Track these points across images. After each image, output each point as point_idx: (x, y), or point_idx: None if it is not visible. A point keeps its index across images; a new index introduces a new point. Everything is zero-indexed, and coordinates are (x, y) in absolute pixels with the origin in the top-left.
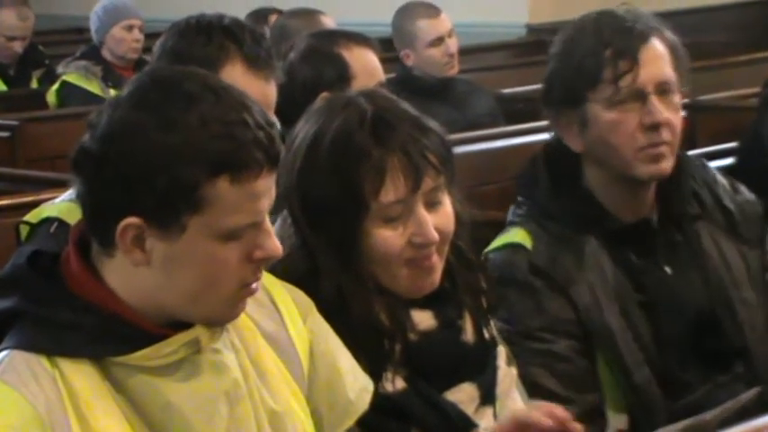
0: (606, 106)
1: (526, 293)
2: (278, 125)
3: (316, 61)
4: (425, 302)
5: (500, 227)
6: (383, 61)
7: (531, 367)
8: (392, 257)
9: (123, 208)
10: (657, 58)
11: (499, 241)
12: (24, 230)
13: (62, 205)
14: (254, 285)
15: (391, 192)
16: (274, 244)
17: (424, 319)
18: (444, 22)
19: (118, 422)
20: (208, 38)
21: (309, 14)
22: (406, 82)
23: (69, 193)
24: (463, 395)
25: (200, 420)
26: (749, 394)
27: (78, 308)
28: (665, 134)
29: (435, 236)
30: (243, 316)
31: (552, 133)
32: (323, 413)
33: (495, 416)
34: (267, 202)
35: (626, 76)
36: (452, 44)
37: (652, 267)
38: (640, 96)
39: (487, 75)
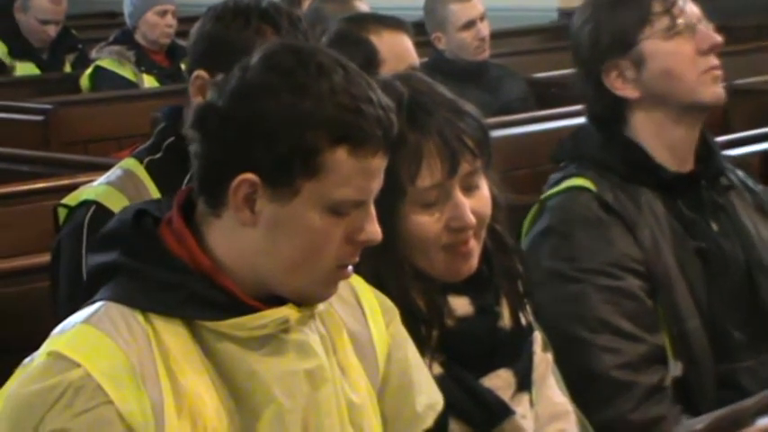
0: (664, 38)
1: (595, 229)
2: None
3: (344, 46)
4: (462, 288)
5: None
6: (417, 45)
7: (600, 304)
8: (429, 242)
9: (241, 165)
10: None
11: (557, 188)
12: (62, 213)
13: (100, 188)
14: (349, 268)
15: (428, 176)
16: (376, 229)
17: (461, 305)
18: (476, 6)
19: (204, 383)
20: (245, 21)
21: None
22: (439, 65)
23: (107, 176)
24: (500, 381)
25: (282, 392)
26: None
27: (176, 269)
28: (717, 59)
29: (472, 220)
30: (331, 310)
31: (588, 109)
32: (388, 420)
33: (531, 402)
34: (377, 184)
35: (676, 4)
36: (484, 28)
37: (701, 221)
38: (690, 27)
39: (519, 59)
